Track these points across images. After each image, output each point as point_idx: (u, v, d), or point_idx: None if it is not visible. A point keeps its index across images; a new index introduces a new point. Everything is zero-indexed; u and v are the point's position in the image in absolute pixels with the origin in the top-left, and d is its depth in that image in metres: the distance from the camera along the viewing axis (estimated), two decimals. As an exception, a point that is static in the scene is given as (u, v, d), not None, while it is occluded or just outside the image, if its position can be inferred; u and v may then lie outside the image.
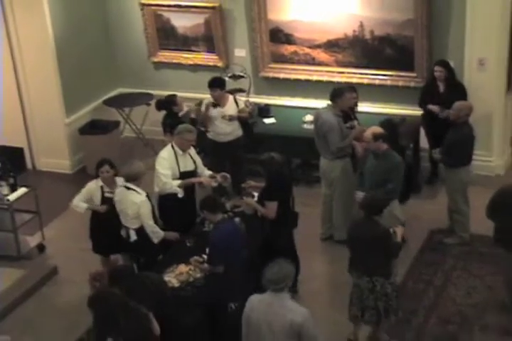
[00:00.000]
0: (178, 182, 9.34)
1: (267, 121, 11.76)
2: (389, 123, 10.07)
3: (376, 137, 9.35)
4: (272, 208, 8.93)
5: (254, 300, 7.18)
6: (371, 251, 8.16)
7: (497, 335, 8.82)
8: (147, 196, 8.88)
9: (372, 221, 8.23)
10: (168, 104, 10.95)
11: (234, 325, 8.04)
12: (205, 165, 9.84)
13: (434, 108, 10.92)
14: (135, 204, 8.73)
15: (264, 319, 7.10)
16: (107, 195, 9.17)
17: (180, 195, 9.34)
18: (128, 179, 8.84)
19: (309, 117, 10.95)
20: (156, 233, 8.85)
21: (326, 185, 10.34)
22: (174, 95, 10.99)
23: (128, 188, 8.80)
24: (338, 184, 10.14)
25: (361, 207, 8.47)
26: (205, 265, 8.26)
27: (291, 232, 9.33)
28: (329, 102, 10.08)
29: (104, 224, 9.23)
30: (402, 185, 9.51)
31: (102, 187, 9.20)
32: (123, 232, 8.97)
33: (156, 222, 8.98)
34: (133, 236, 8.87)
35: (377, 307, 8.35)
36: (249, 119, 11.32)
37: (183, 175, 9.42)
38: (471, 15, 10.89)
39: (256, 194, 9.32)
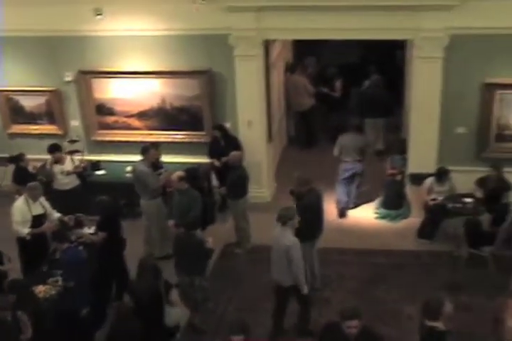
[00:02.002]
0: (28, 230, 9.13)
1: (98, 172, 11.71)
2: (191, 169, 10.31)
3: (180, 179, 9.53)
4: (102, 237, 8.98)
5: (274, 230, 8.31)
6: (190, 256, 8.39)
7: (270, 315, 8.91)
8: None
9: (191, 234, 8.55)
10: (15, 159, 10.82)
11: (87, 328, 8.20)
12: (54, 208, 9.66)
13: (215, 161, 11.20)
14: None
15: (274, 241, 8.28)
16: None
17: (27, 238, 9.16)
18: None
19: (129, 168, 10.90)
20: None
21: (145, 218, 10.39)
22: (22, 154, 10.76)
23: None
24: (154, 217, 10.21)
25: (183, 226, 8.73)
26: (60, 282, 8.20)
27: (122, 253, 9.31)
28: (141, 157, 10.17)
29: None
30: (201, 214, 9.59)
31: None
32: None
33: None
34: None
35: (196, 298, 8.61)
36: (84, 172, 11.25)
37: (35, 218, 9.23)
38: (239, 92, 11.21)
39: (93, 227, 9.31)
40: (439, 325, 6.77)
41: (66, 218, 9.49)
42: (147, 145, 10.39)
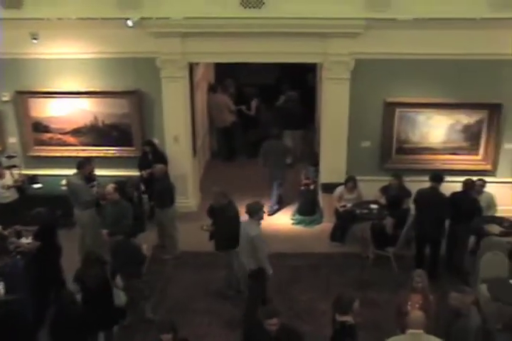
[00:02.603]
0: None
1: (35, 186, 11.30)
2: (120, 182, 10.07)
3: (115, 190, 9.45)
4: (35, 245, 8.79)
5: (243, 222, 8.77)
6: (127, 261, 8.49)
7: (205, 316, 9.03)
8: None
9: (128, 241, 8.65)
10: None
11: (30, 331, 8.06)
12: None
13: (144, 173, 11.02)
14: None
15: (241, 230, 8.60)
16: None
17: None
18: None
19: (64, 182, 10.59)
20: None
21: (80, 227, 10.21)
22: None
23: None
24: (87, 226, 10.03)
25: (121, 234, 8.79)
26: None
27: (59, 260, 9.13)
28: (76, 171, 10.03)
29: None
30: (132, 222, 9.48)
31: None
32: None
33: None
34: None
35: (133, 297, 8.78)
36: (23, 186, 10.96)
37: (-28, 230, 8.97)
38: (166, 110, 11.19)
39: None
40: (348, 319, 6.91)
41: (6, 232, 9.19)
42: (82, 160, 10.26)
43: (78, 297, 7.82)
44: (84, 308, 7.66)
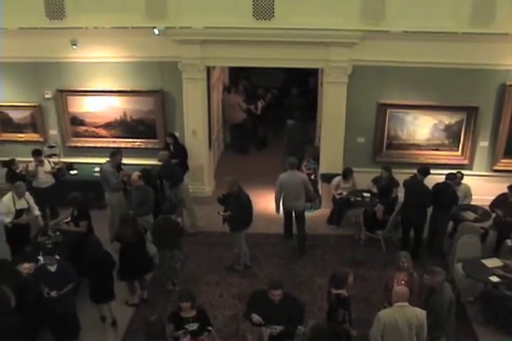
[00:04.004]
0: (9, 220, 9.05)
1: (72, 172, 11.51)
2: (144, 170, 10.14)
3: (139, 177, 9.50)
4: (83, 225, 8.98)
5: (284, 174, 9.66)
6: (169, 234, 8.65)
7: (217, 288, 9.10)
8: None
9: (168, 217, 8.79)
10: (8, 164, 10.54)
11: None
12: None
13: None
14: None
15: (288, 181, 9.55)
16: None
17: (9, 225, 9.08)
18: None
19: (97, 169, 10.77)
20: None
21: (109, 208, 10.25)
22: (13, 159, 10.52)
23: None
24: (116, 207, 10.08)
25: (163, 211, 8.91)
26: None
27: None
28: (108, 159, 10.17)
29: None
30: (153, 205, 9.61)
31: None
32: None
33: None
34: None
35: (176, 267, 8.93)
36: (58, 173, 11.03)
37: (18, 211, 9.13)
38: (186, 107, 11.19)
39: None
40: (343, 292, 6.97)
41: (47, 213, 9.33)
42: (114, 151, 10.37)
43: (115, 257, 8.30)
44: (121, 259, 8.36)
